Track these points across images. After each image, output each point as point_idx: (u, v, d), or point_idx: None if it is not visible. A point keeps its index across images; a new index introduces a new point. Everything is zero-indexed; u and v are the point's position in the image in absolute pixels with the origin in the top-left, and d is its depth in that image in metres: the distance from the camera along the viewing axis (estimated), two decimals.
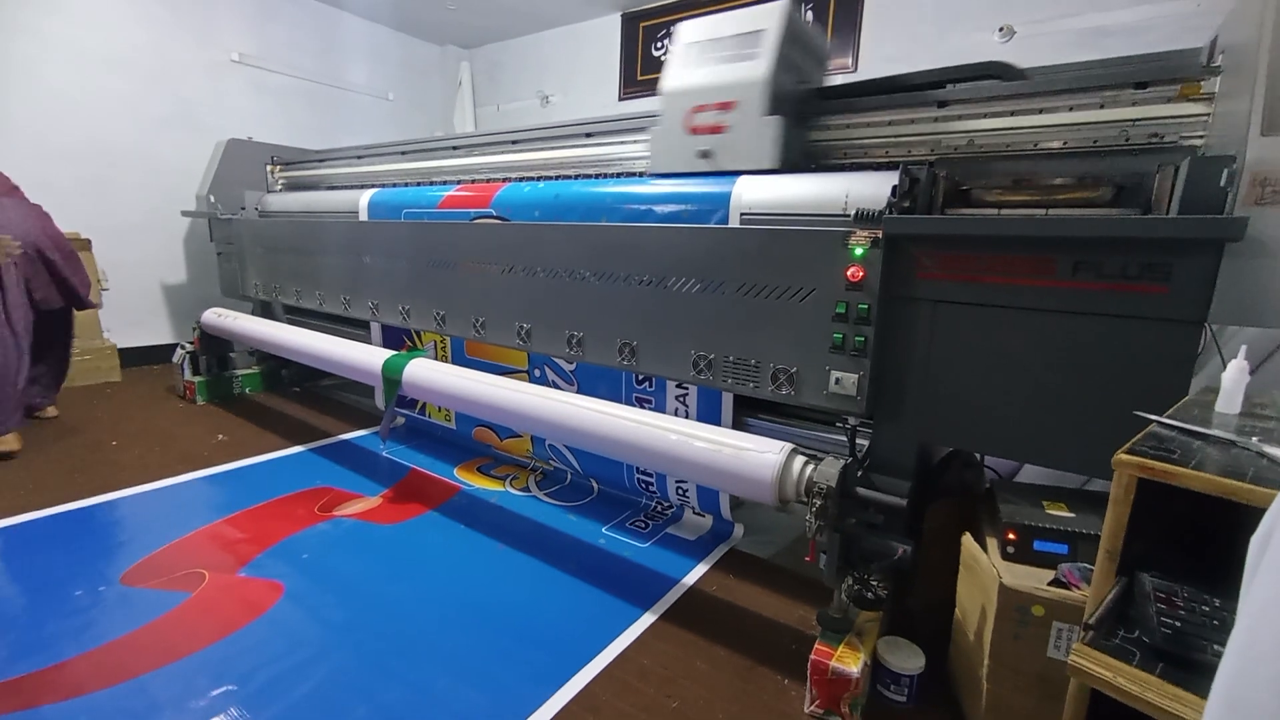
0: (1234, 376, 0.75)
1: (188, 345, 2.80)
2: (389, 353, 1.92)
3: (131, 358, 3.22)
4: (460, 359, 2.18)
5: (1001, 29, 2.86)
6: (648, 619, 1.33)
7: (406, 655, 1.17)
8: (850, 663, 1.07)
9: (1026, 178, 1.23)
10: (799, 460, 1.19)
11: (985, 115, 1.37)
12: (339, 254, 2.43)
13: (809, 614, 1.36)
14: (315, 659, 1.15)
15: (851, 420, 1.31)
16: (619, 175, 1.90)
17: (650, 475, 1.76)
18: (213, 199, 3.13)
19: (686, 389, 1.66)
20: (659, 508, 1.80)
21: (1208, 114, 1.14)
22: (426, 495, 1.87)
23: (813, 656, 1.09)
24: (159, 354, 3.34)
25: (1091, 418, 1.06)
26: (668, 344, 1.54)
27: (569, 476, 1.98)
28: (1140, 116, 1.20)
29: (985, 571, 1.04)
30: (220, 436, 2.32)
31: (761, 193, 1.48)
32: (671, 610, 1.36)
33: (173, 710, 1.02)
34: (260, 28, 3.77)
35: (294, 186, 3.25)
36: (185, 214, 3.28)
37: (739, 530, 1.69)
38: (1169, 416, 0.72)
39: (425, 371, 1.78)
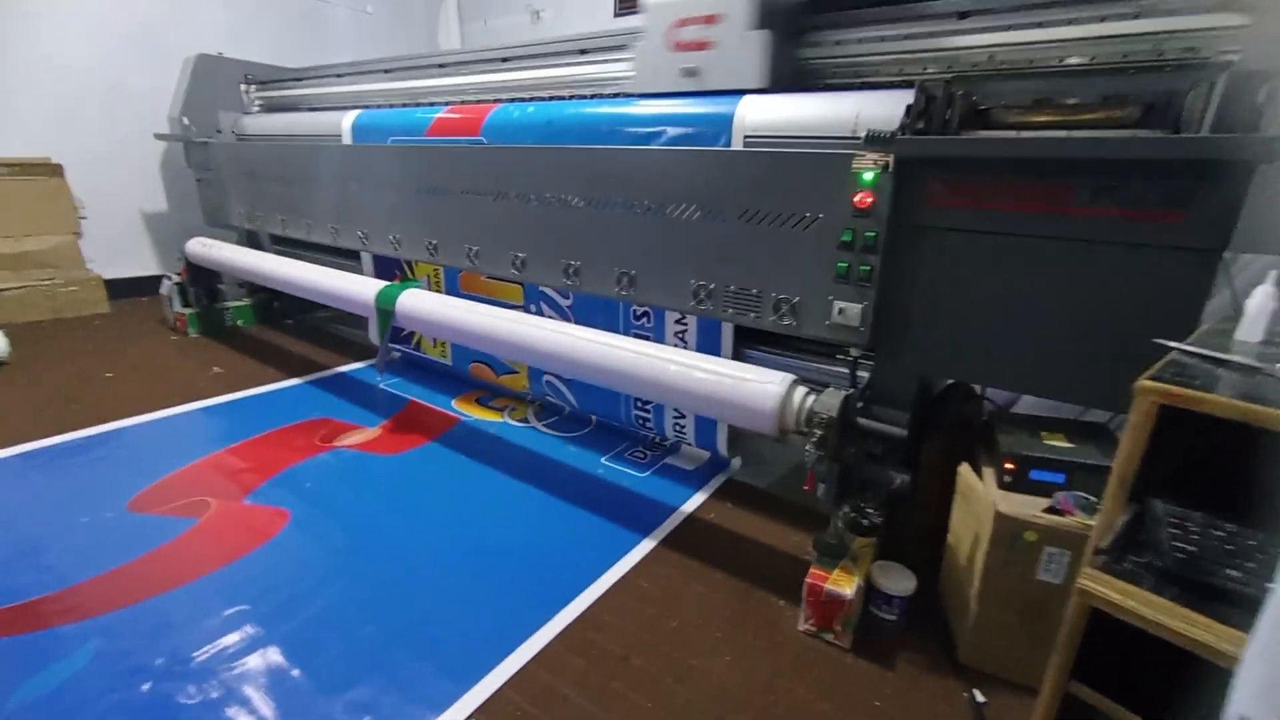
0: (1260, 303, 0.72)
1: (175, 276, 2.73)
2: (381, 283, 1.87)
3: (119, 289, 3.15)
4: (454, 294, 2.13)
5: None
6: (647, 545, 1.36)
7: (411, 580, 1.21)
8: (845, 585, 1.10)
9: (1048, 97, 1.16)
10: (800, 391, 1.18)
11: (1010, 27, 1.27)
12: (324, 181, 2.33)
13: (805, 541, 1.39)
14: (323, 582, 1.18)
15: (854, 352, 1.30)
16: (616, 96, 1.80)
17: (648, 410, 1.76)
18: (186, 121, 2.97)
19: (686, 321, 1.63)
20: (657, 440, 1.82)
21: (1247, 24, 1.06)
22: (425, 426, 1.87)
23: (808, 580, 1.12)
24: (147, 285, 3.27)
25: (1100, 350, 1.05)
26: (667, 273, 1.51)
27: (567, 410, 1.99)
28: (1177, 28, 1.11)
29: (981, 499, 1.05)
30: (215, 369, 2.30)
31: (765, 114, 1.40)
32: (670, 537, 1.40)
33: (188, 629, 1.05)
34: None
35: (271, 108, 3.08)
36: (159, 137, 3.12)
37: (736, 462, 1.71)
38: (1189, 343, 0.70)
39: (419, 301, 1.74)
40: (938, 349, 1.21)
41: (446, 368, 2.25)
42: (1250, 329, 0.73)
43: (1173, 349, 0.69)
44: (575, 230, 1.64)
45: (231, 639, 1.03)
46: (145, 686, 0.94)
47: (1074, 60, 1.21)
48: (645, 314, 1.71)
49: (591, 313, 1.77)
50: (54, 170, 2.93)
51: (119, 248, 3.27)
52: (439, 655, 1.03)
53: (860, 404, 1.26)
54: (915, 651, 1.11)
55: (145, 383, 2.12)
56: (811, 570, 1.14)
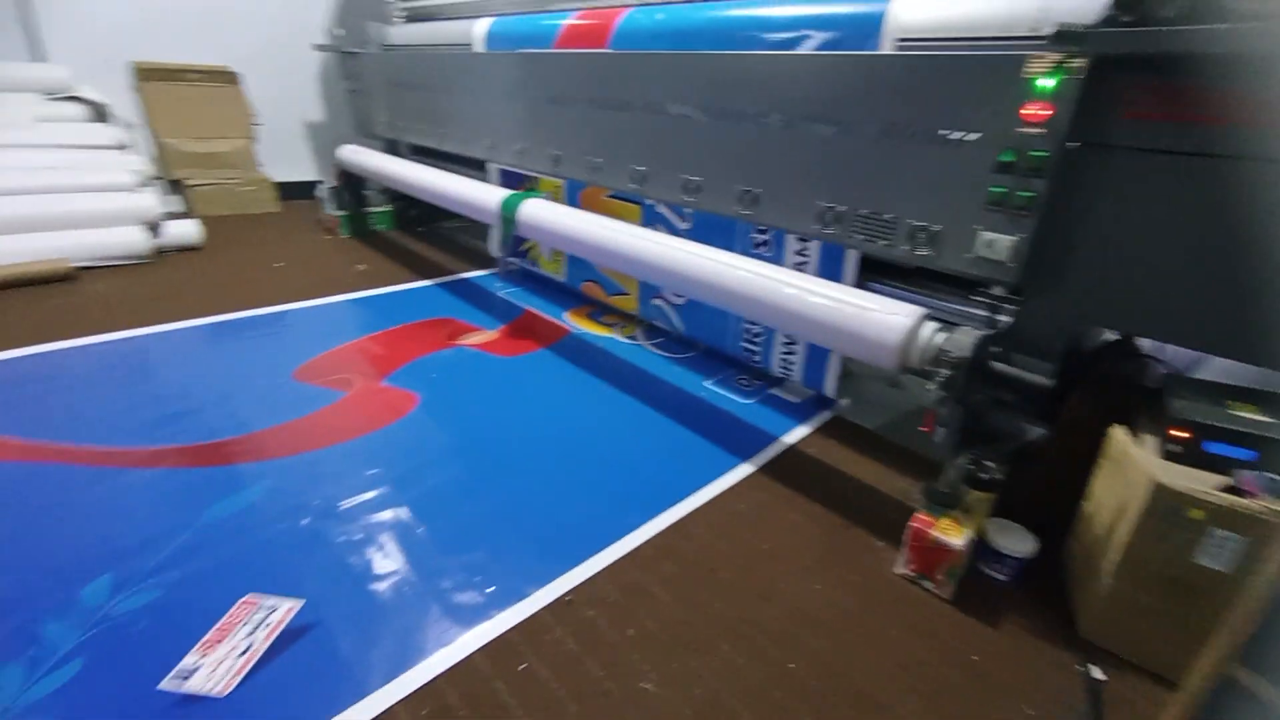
0: None
1: (329, 182, 2.99)
2: (506, 191, 1.92)
3: (288, 191, 3.50)
4: None
5: None
6: (745, 468, 1.35)
7: (518, 470, 1.29)
8: (953, 534, 1.03)
9: None
10: (930, 325, 1.08)
11: None
12: (455, 91, 2.39)
13: (911, 488, 1.32)
14: (443, 459, 1.30)
15: (997, 290, 1.16)
16: None
17: (756, 342, 1.71)
18: (340, 32, 3.14)
19: (807, 251, 1.53)
20: (764, 370, 1.77)
21: None
22: (539, 334, 1.96)
23: (912, 523, 1.07)
24: (307, 189, 3.61)
25: None
26: (793, 193, 1.41)
27: (673, 334, 1.98)
28: None
29: (1135, 467, 0.93)
30: (360, 266, 2.53)
31: (923, 12, 1.21)
32: (769, 464, 1.38)
33: (337, 479, 1.22)
34: None
35: (414, 17, 3.16)
36: (316, 48, 3.34)
37: (845, 402, 1.64)
38: None
39: (540, 210, 1.77)
40: (1105, 295, 1.04)
41: (560, 284, 2.31)
42: None
43: None
44: (699, 144, 1.56)
45: (369, 495, 1.18)
46: (304, 521, 1.10)
47: None
48: (765, 241, 1.62)
49: (709, 237, 1.71)
50: (233, 78, 3.25)
51: (284, 154, 3.61)
52: (540, 539, 1.11)
53: (1000, 346, 1.14)
54: (1025, 616, 1.03)
55: (304, 274, 2.39)
56: (917, 514, 1.08)
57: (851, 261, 1.44)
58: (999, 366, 1.07)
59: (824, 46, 1.37)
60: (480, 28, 2.33)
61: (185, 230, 2.56)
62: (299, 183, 3.60)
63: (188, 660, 0.83)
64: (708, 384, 1.71)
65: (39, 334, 1.73)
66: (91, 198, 2.33)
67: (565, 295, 2.29)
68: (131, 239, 2.32)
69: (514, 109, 2.13)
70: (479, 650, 0.89)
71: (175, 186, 3.08)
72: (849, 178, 1.30)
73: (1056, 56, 0.98)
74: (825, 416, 1.58)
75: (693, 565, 1.08)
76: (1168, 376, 1.12)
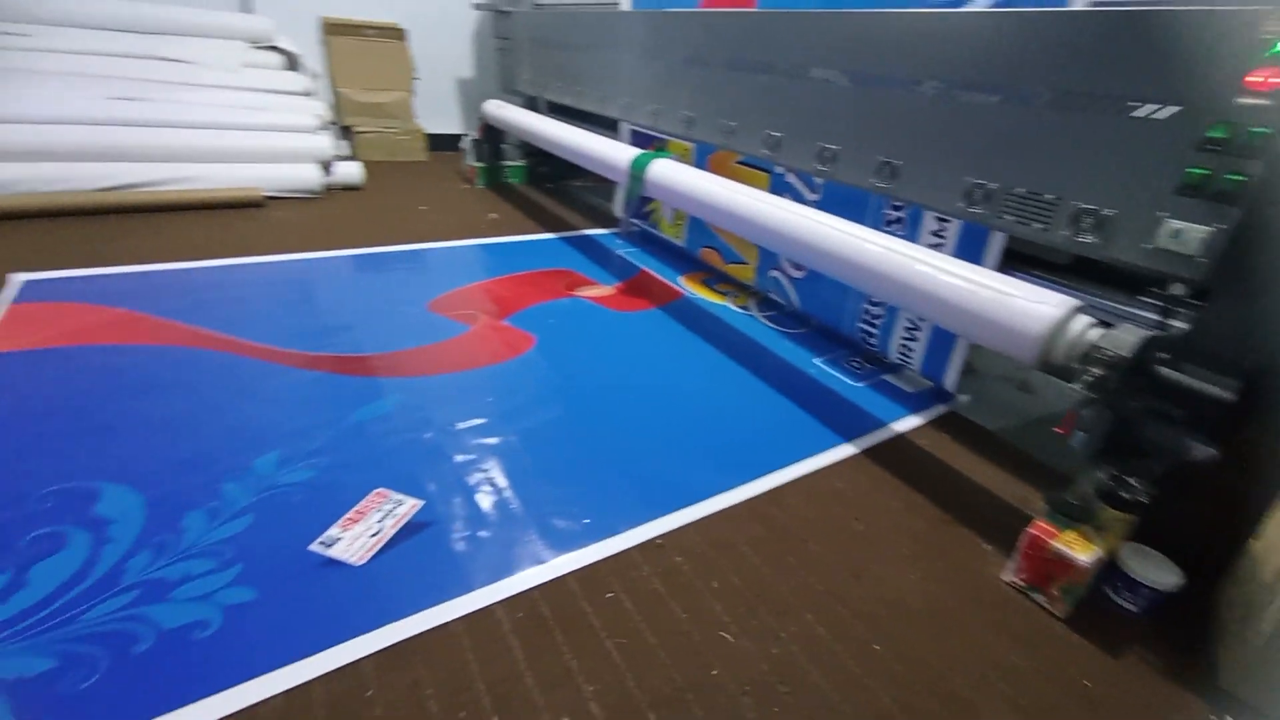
0: None
1: (473, 134, 3.18)
2: (636, 150, 1.95)
3: (436, 143, 3.76)
4: None
5: None
6: (847, 449, 1.31)
7: (622, 419, 1.34)
8: (1079, 550, 0.95)
9: None
10: (1083, 319, 0.98)
11: None
12: (596, 49, 2.44)
13: (1031, 496, 1.22)
14: (554, 398, 1.38)
15: (1178, 288, 1.02)
16: None
17: (874, 326, 1.63)
18: None
19: (945, 233, 1.42)
20: (878, 355, 1.69)
21: None
22: (653, 294, 1.99)
23: (1030, 529, 0.99)
24: (451, 142, 3.87)
25: None
26: (939, 165, 1.31)
27: (787, 308, 1.93)
28: None
29: None
30: (492, 215, 2.69)
31: None
32: (874, 449, 1.33)
33: (457, 402, 1.33)
34: None
35: None
36: (476, 7, 3.52)
37: (965, 398, 1.52)
38: None
39: (669, 170, 1.78)
40: None
41: (679, 248, 2.32)
42: None
43: None
44: (839, 110, 1.49)
45: (483, 420, 1.28)
46: (427, 435, 1.22)
47: None
48: (898, 218, 1.53)
49: (838, 210, 1.63)
50: (400, 34, 3.51)
51: (436, 106, 3.87)
52: (636, 483, 1.15)
53: (1166, 354, 1.00)
54: (1154, 653, 0.93)
55: (443, 218, 2.58)
56: (1036, 521, 1.00)
57: (995, 246, 1.32)
58: (1167, 373, 0.94)
59: (997, 4, 1.24)
60: None
61: (350, 171, 2.85)
62: (446, 135, 3.86)
63: (332, 531, 0.96)
64: (817, 361, 1.66)
65: (231, 249, 2.03)
66: (280, 137, 2.65)
67: (682, 260, 2.30)
68: (309, 175, 2.63)
69: (652, 69, 2.13)
70: (571, 573, 0.95)
71: (345, 132, 3.42)
72: (1007, 152, 1.19)
73: None
74: (940, 410, 1.49)
75: (783, 532, 1.08)
76: None
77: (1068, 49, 1.07)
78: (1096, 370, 0.93)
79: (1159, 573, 0.97)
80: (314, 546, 0.93)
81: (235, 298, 1.70)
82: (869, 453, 1.31)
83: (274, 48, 3.01)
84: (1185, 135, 0.95)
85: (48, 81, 2.36)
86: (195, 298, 1.68)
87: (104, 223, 2.16)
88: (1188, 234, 0.97)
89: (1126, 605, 0.99)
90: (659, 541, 1.03)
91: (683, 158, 2.13)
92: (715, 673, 0.83)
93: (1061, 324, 0.98)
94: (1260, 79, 0.87)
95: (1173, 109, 0.96)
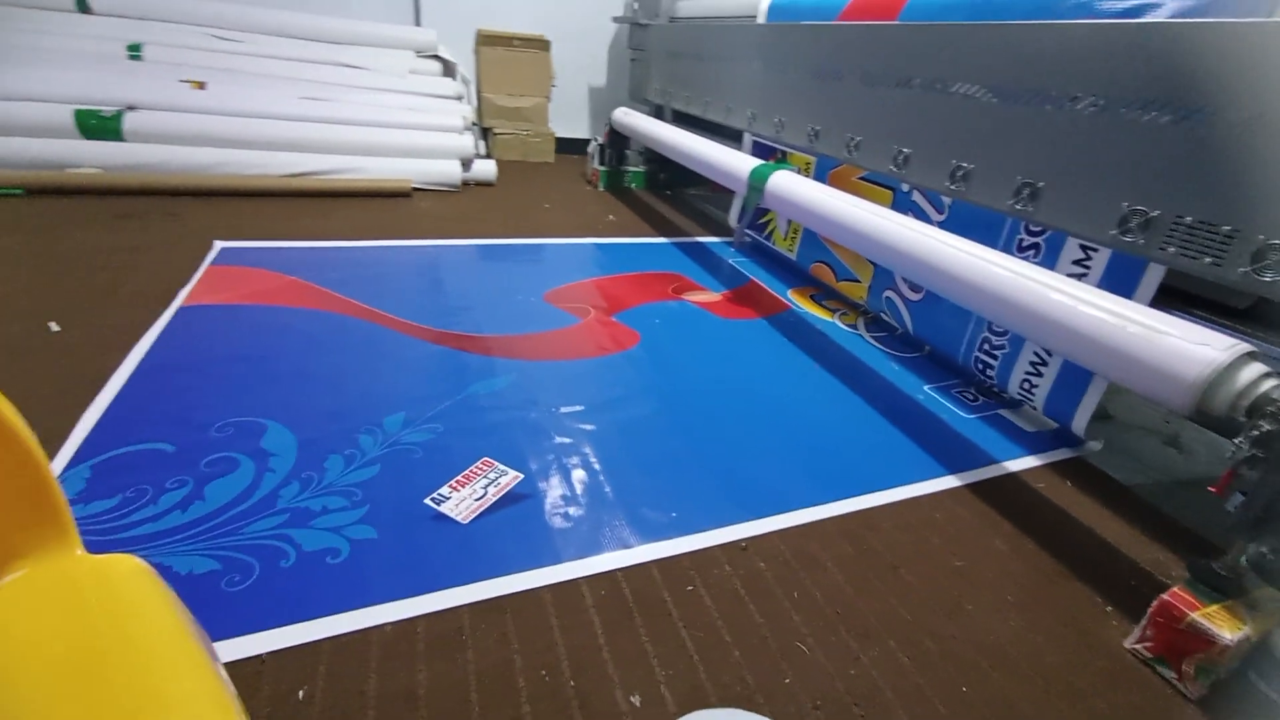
0: None
1: (599, 139, 3.32)
2: (757, 161, 1.96)
3: (565, 146, 3.98)
4: None
5: None
6: (950, 481, 1.24)
7: (718, 421, 1.35)
8: (1224, 626, 0.84)
9: None
10: (1256, 367, 0.87)
11: None
12: (726, 61, 2.47)
13: (1169, 562, 1.09)
14: (653, 394, 1.42)
15: None
16: None
17: (994, 357, 1.52)
18: (636, 5, 3.42)
19: (1089, 263, 1.31)
20: (994, 388, 1.57)
21: None
22: (759, 304, 1.98)
23: (1165, 596, 0.89)
24: (579, 146, 4.07)
25: None
26: (1089, 189, 1.21)
27: (899, 331, 1.85)
28: None
29: None
30: (610, 217, 2.80)
31: None
32: (981, 485, 1.24)
33: (563, 388, 1.41)
34: None
35: None
36: (615, 20, 3.68)
37: (1095, 444, 1.39)
38: None
39: (790, 182, 1.78)
40: None
41: (790, 261, 2.29)
42: None
43: None
44: (979, 127, 1.42)
45: (583, 407, 1.35)
46: (533, 415, 1.30)
47: None
48: (1034, 245, 1.42)
49: (966, 232, 1.54)
50: (545, 45, 3.75)
51: (568, 112, 4.09)
52: (726, 485, 1.16)
53: None
54: None
55: (565, 216, 2.73)
56: (1173, 589, 0.90)
57: (1150, 281, 1.20)
58: None
59: (1179, 14, 1.13)
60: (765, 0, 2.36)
61: (486, 168, 3.08)
62: (575, 139, 4.06)
63: (443, 490, 1.06)
64: (927, 388, 1.58)
65: (379, 232, 2.27)
66: (431, 135, 2.93)
67: (793, 274, 2.27)
68: (451, 171, 2.88)
69: (780, 81, 2.13)
70: (654, 561, 0.98)
71: (485, 133, 3.70)
72: (1179, 175, 1.08)
73: None
74: (1064, 454, 1.36)
75: (872, 555, 1.04)
76: None
77: (1264, 55, 0.96)
78: (1266, 425, 0.82)
79: None
80: (427, 501, 1.03)
81: (381, 275, 1.91)
82: (975, 488, 1.23)
83: (435, 56, 3.33)
84: None
85: (257, 81, 2.78)
86: (350, 272, 1.90)
87: (286, 204, 2.51)
88: None
89: (1273, 695, 0.86)
90: (743, 544, 1.03)
91: (804, 171, 2.11)
92: (788, 681, 0.82)
93: (1227, 370, 0.87)
94: None
95: None
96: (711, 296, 2.01)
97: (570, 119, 4.13)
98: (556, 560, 0.96)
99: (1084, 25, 1.21)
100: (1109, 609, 1.00)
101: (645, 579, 0.95)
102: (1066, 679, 0.87)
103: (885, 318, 1.88)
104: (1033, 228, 1.42)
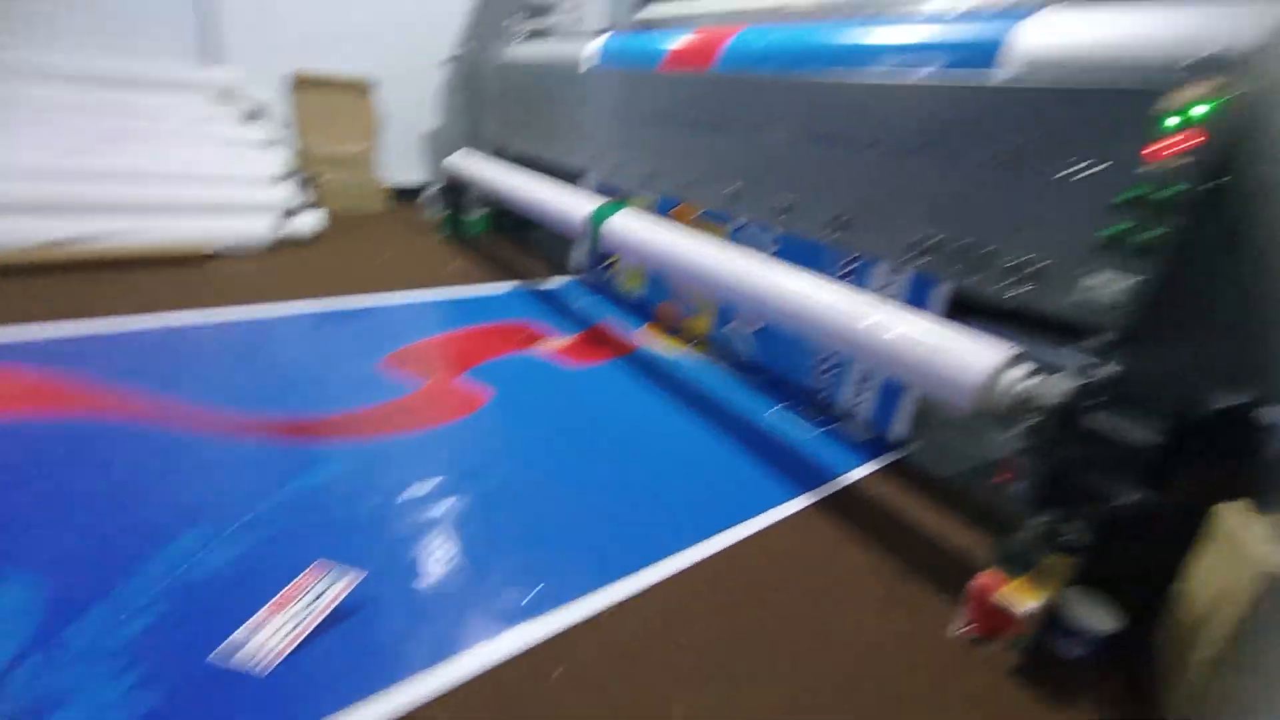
0: None
1: (434, 185, 3.20)
2: (596, 201, 1.98)
3: (400, 193, 3.77)
4: None
5: None
6: (801, 501, 1.31)
7: (574, 476, 1.32)
8: (1021, 600, 0.95)
9: None
10: (1019, 368, 1.00)
11: None
12: (561, 104, 2.51)
13: (979, 544, 1.23)
14: (504, 459, 1.35)
15: (1104, 336, 1.06)
16: (873, 16, 1.61)
17: (827, 376, 1.65)
18: (466, 48, 3.37)
19: (895, 279, 1.47)
20: (832, 404, 1.70)
21: None
22: (611, 345, 1.99)
23: (975, 581, 0.99)
24: (415, 192, 3.89)
25: None
26: (888, 220, 1.36)
27: (745, 359, 1.95)
28: None
29: (1246, 552, 0.81)
30: (452, 266, 2.68)
31: (1050, 37, 1.14)
32: (826, 501, 1.32)
33: (405, 466, 1.29)
34: None
35: (536, 36, 3.34)
36: (443, 63, 3.59)
37: (916, 445, 1.54)
38: None
39: (626, 223, 1.81)
40: (1233, 354, 0.93)
41: (638, 300, 2.34)
42: None
43: None
44: (794, 167, 1.55)
45: (432, 483, 1.24)
46: (373, 502, 1.17)
47: None
48: (851, 270, 1.57)
49: (793, 260, 1.67)
50: (367, 88, 3.56)
51: (401, 157, 3.90)
52: (588, 547, 1.12)
53: (1097, 401, 1.04)
54: (1100, 701, 0.93)
55: (402, 270, 2.56)
56: (982, 573, 1.00)
57: (940, 296, 1.36)
58: (1097, 420, 0.97)
59: (945, 70, 1.31)
60: (592, 47, 2.42)
61: (307, 222, 2.82)
62: (410, 186, 3.87)
63: (247, 626, 0.88)
64: (773, 412, 1.67)
65: (174, 304, 1.95)
66: (237, 188, 2.62)
67: (642, 311, 2.32)
68: (262, 227, 2.59)
69: (614, 125, 2.20)
70: (516, 652, 0.91)
71: (306, 182, 3.40)
72: (950, 207, 1.25)
73: (1202, 87, 0.89)
74: (892, 458, 1.50)
75: (740, 594, 1.05)
76: None
77: (999, 115, 1.14)
78: (1030, 419, 0.95)
79: (1099, 617, 0.97)
80: (213, 659, 0.84)
81: (171, 357, 1.64)
82: (823, 504, 1.31)
83: (245, 99, 3.02)
84: (1108, 194, 1.00)
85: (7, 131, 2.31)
86: (128, 358, 1.60)
87: (39, 280, 2.08)
88: (1111, 286, 1.02)
89: (1073, 651, 0.99)
90: (610, 612, 0.99)
91: (646, 210, 2.18)
92: None
93: (998, 373, 1.00)
94: (1165, 145, 0.93)
95: (1097, 167, 1.02)
96: (562, 343, 1.98)
97: (406, 164, 3.94)
98: (403, 676, 0.85)
99: (867, 82, 1.37)
100: (939, 599, 1.09)
101: (505, 675, 0.87)
102: (912, 675, 0.93)
103: (730, 348, 1.97)
104: (849, 253, 1.57)
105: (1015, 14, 1.21)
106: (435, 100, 3.97)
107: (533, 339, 1.99)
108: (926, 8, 1.56)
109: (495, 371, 1.74)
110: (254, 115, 3.04)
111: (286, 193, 2.76)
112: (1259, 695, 0.79)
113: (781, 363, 1.79)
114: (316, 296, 2.15)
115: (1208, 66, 0.89)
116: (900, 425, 1.50)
